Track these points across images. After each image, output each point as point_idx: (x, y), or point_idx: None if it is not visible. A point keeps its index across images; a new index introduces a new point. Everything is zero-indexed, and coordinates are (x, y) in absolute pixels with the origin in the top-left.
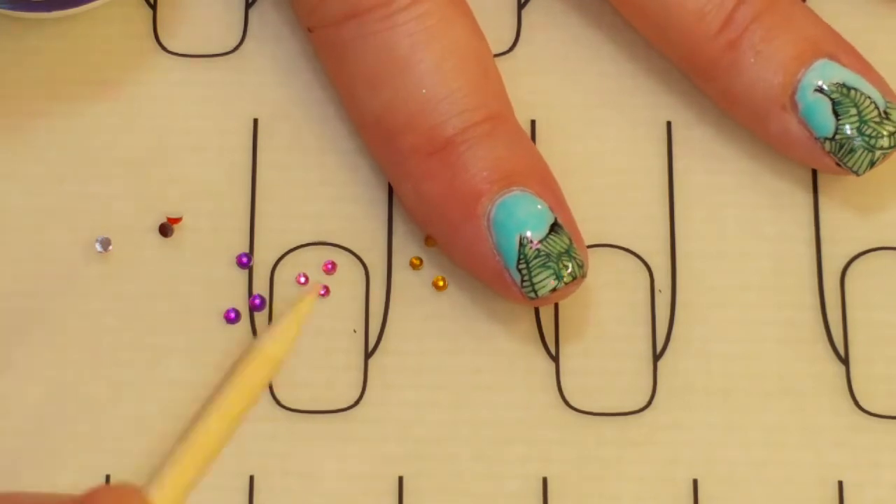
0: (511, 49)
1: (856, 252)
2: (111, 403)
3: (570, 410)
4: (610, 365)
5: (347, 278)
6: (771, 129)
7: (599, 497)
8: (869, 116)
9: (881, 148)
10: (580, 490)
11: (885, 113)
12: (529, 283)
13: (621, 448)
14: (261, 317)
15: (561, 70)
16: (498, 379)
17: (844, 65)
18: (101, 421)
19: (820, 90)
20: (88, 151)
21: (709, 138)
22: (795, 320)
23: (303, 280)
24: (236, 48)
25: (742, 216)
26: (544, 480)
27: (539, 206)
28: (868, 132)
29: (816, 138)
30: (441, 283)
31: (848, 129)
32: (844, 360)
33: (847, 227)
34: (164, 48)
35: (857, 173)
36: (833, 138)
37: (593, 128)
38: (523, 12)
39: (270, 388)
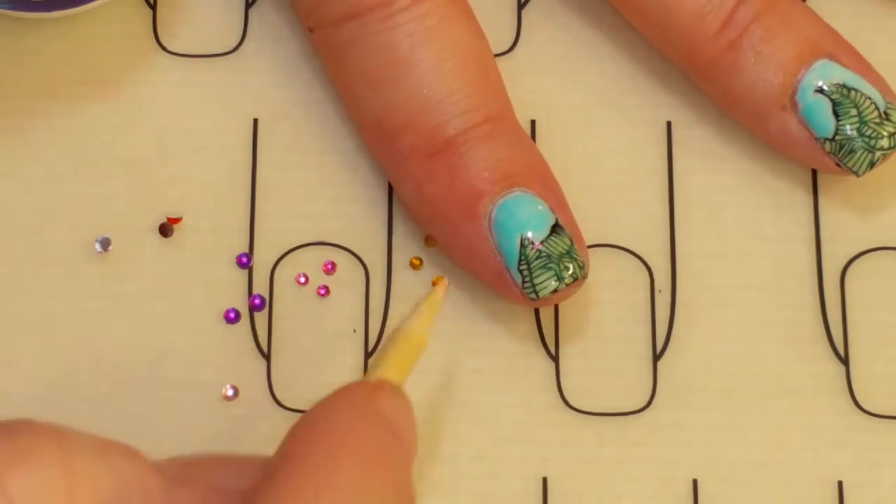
0: (511, 49)
1: (856, 252)
2: (111, 403)
3: (570, 410)
4: (610, 365)
5: (347, 278)
6: (771, 130)
7: (599, 497)
8: (869, 117)
9: (881, 149)
10: (580, 490)
11: (886, 114)
12: (530, 283)
13: (621, 448)
14: (261, 317)
15: (561, 70)
16: (498, 379)
17: (845, 65)
18: (102, 421)
19: (820, 91)
20: (88, 151)
21: (709, 138)
22: (795, 320)
23: (303, 280)
24: (236, 48)
25: (742, 216)
26: (544, 480)
27: (540, 207)
28: (868, 133)
29: (816, 139)
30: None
31: (848, 130)
32: (844, 360)
33: (847, 227)
34: (164, 48)
35: (857, 174)
36: (833, 139)
37: (593, 128)
38: (523, 12)
39: (270, 388)
